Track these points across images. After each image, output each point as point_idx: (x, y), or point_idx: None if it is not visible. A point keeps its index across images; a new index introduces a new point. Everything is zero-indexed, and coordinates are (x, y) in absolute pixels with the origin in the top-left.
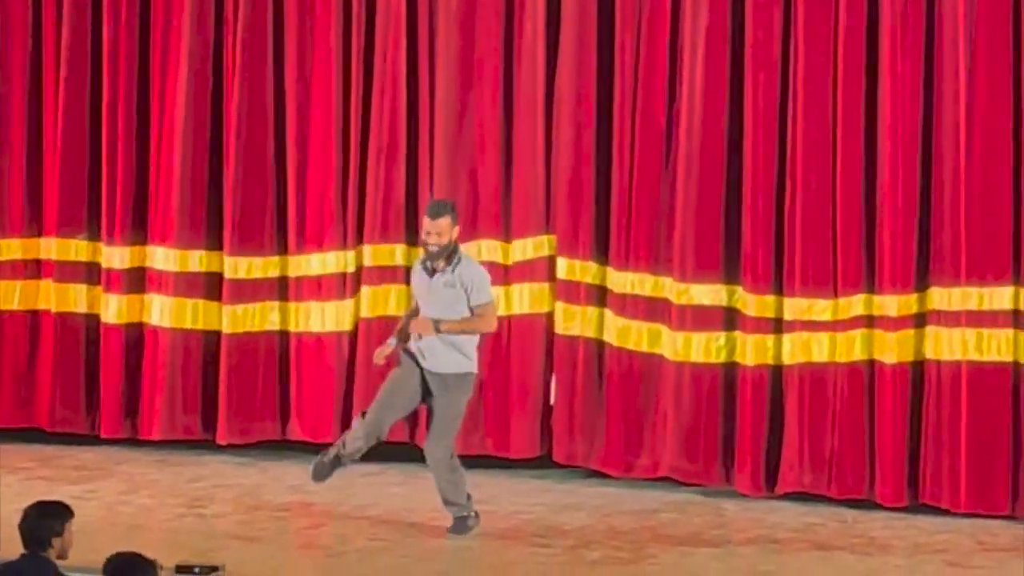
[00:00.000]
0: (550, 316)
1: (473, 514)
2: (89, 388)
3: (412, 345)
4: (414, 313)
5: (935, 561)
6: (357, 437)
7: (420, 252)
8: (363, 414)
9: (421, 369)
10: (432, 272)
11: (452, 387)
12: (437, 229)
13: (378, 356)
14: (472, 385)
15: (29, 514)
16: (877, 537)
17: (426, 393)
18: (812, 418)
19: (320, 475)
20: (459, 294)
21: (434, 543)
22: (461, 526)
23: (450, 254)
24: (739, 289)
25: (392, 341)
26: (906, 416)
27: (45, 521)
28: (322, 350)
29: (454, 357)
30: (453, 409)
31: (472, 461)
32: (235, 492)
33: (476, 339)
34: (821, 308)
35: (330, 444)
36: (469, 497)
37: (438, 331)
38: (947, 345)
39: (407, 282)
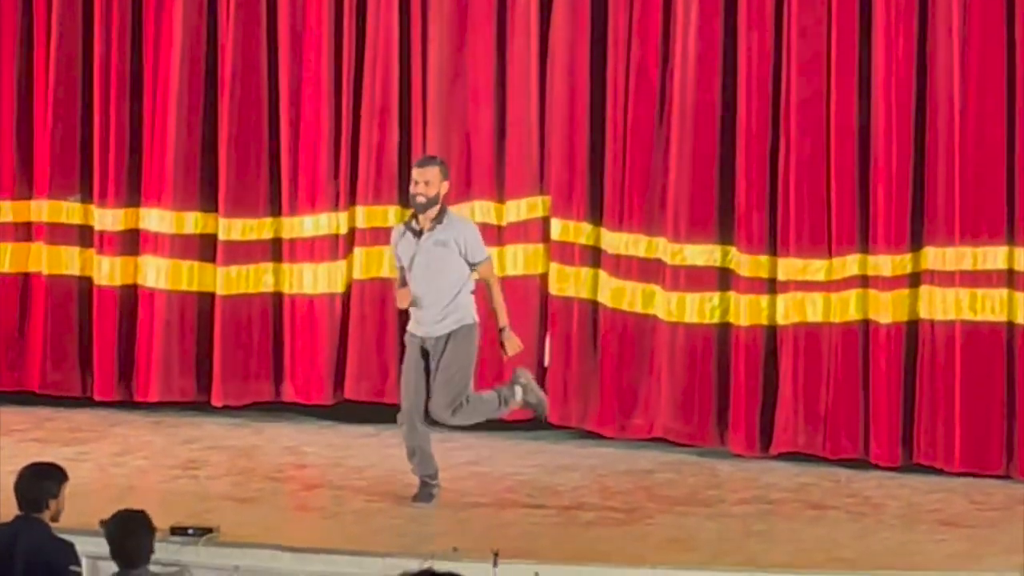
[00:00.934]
0: (544, 277)
1: (439, 481)
2: (82, 350)
3: (412, 318)
4: (401, 284)
5: (929, 520)
6: (411, 451)
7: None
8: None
9: (422, 343)
10: (418, 233)
11: (452, 343)
12: (425, 178)
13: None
14: (475, 337)
15: (23, 476)
16: (871, 497)
17: (428, 360)
18: (806, 378)
19: (424, 498)
20: (451, 252)
21: (429, 505)
22: (427, 491)
23: (439, 213)
24: (733, 249)
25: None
26: (900, 376)
27: (40, 483)
28: (315, 312)
29: (449, 314)
30: (459, 362)
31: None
32: (229, 454)
33: (470, 287)
34: (815, 268)
35: (323, 407)
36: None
37: (507, 328)
38: (941, 305)
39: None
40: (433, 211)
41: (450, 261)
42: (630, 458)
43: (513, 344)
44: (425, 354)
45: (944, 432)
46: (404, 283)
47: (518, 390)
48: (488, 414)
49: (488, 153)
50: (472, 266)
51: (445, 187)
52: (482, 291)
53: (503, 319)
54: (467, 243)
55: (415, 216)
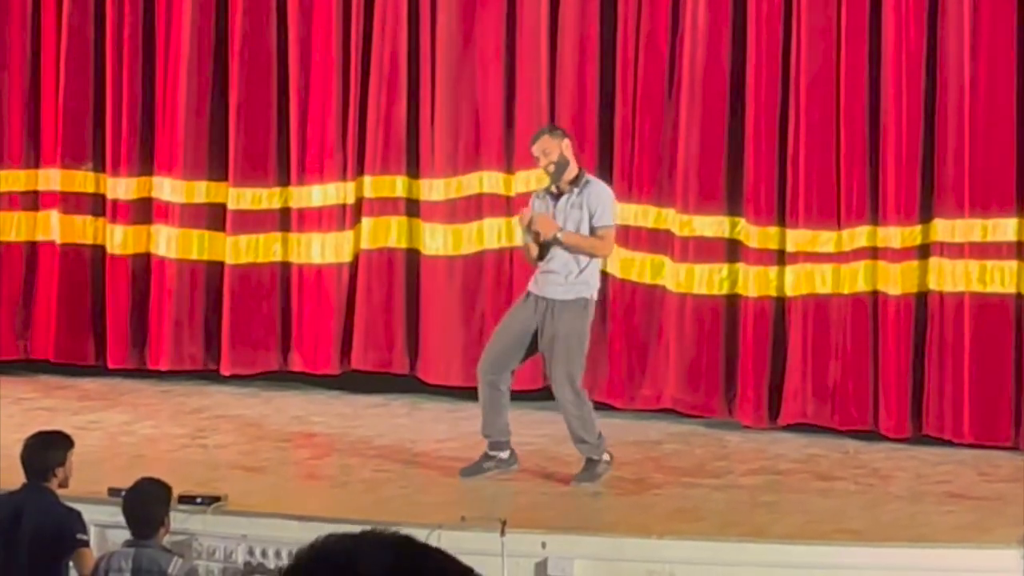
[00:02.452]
0: None
1: (606, 458)
2: (95, 319)
3: (533, 276)
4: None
5: (937, 492)
6: (482, 391)
7: (422, 184)
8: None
9: (534, 301)
10: (557, 196)
11: (566, 313)
12: (540, 149)
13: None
14: (591, 311)
15: (30, 445)
16: (879, 468)
17: (538, 328)
18: (815, 350)
19: (469, 473)
20: (584, 216)
21: (438, 474)
22: (591, 471)
23: (577, 176)
24: (742, 221)
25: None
26: (909, 347)
27: (47, 452)
28: (322, 282)
29: (571, 283)
30: (571, 336)
31: (474, 392)
32: (238, 423)
33: (597, 265)
34: (824, 240)
35: (331, 376)
36: (601, 436)
37: (559, 235)
38: (950, 276)
39: (407, 213)
40: (570, 173)
41: (583, 225)
42: (638, 429)
43: (543, 224)
44: (534, 315)
45: (953, 404)
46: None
47: (606, 456)
48: (590, 425)
49: (497, 123)
50: (593, 229)
51: (567, 146)
52: (488, 270)
53: (572, 236)
54: (598, 207)
55: (553, 184)
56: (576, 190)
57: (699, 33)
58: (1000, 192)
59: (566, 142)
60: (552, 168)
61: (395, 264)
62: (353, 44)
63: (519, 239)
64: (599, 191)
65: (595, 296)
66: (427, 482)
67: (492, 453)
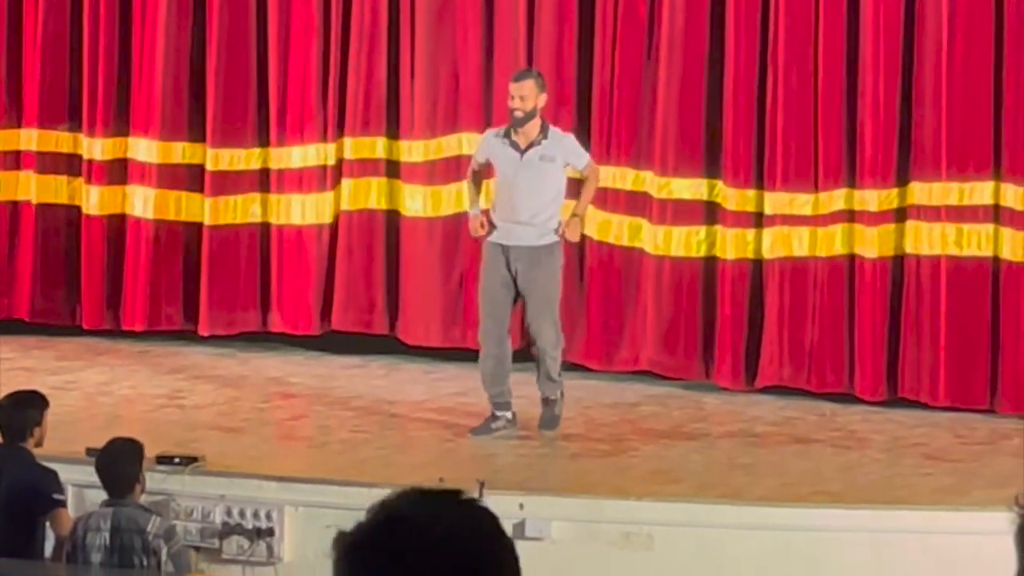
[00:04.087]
0: None
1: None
2: (71, 279)
3: (496, 225)
4: (475, 181)
5: (913, 454)
6: (485, 371)
7: (402, 146)
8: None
9: (505, 252)
10: (522, 149)
11: (541, 259)
12: (521, 92)
13: (474, 230)
14: (562, 254)
15: (6, 405)
16: (856, 431)
17: (515, 277)
18: (792, 312)
19: (480, 432)
20: (556, 167)
21: (416, 435)
22: (552, 412)
23: (542, 128)
24: (720, 183)
25: (476, 211)
26: (886, 310)
27: (23, 412)
28: (303, 242)
29: (541, 230)
30: (550, 280)
31: (452, 354)
32: (216, 384)
33: (558, 210)
34: (802, 202)
35: (310, 336)
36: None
37: (582, 218)
38: (927, 239)
39: (388, 175)
40: (534, 125)
41: (554, 176)
42: (616, 391)
43: (573, 231)
44: (508, 264)
45: (929, 366)
46: (477, 188)
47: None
48: (559, 364)
49: (476, 85)
50: (580, 171)
51: (542, 100)
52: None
53: (582, 206)
54: (572, 152)
55: (512, 129)
56: (545, 142)
57: None
58: (977, 155)
59: (543, 96)
60: (521, 115)
61: (375, 225)
62: (333, 4)
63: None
64: (566, 139)
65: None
66: (405, 443)
67: (499, 413)
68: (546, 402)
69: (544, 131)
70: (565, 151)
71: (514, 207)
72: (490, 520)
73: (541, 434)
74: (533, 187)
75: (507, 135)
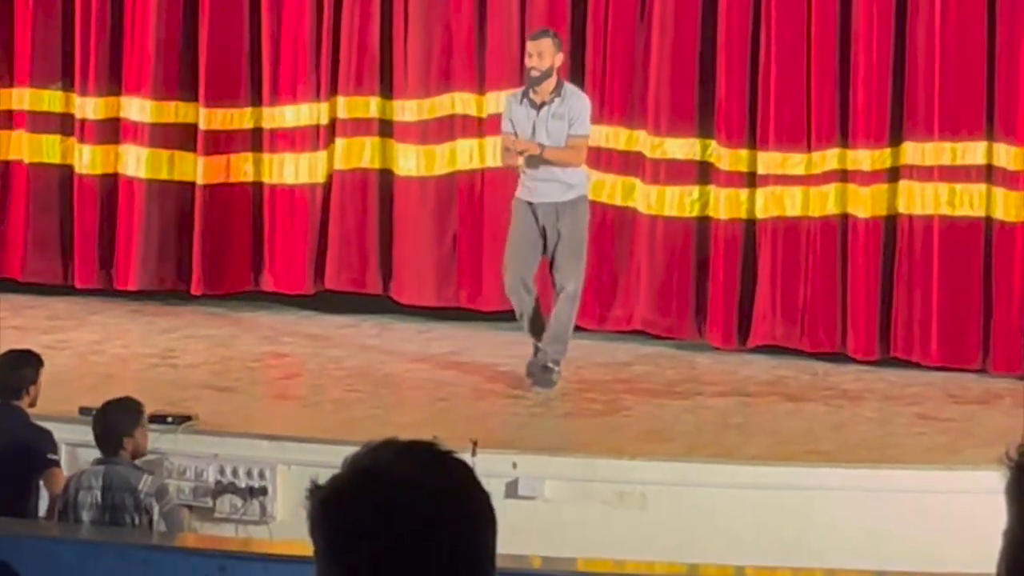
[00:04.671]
0: None
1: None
2: (63, 239)
3: (522, 184)
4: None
5: (906, 414)
6: (520, 314)
7: (396, 105)
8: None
9: (533, 209)
10: (538, 106)
11: (568, 214)
12: (538, 50)
13: (510, 155)
14: (587, 210)
15: (1, 364)
16: (848, 390)
17: (544, 232)
18: (784, 272)
19: (537, 376)
20: (564, 126)
21: (408, 394)
22: (548, 375)
23: (557, 86)
24: (713, 143)
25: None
26: (878, 270)
27: (19, 371)
28: (295, 202)
29: (562, 188)
30: (576, 235)
31: (446, 313)
32: (208, 343)
33: (582, 168)
34: (795, 162)
35: (303, 296)
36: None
37: (542, 152)
38: (920, 199)
39: (381, 134)
40: (550, 84)
41: (564, 135)
42: (608, 350)
43: (526, 146)
44: (536, 221)
45: (921, 326)
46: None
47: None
48: (571, 327)
49: (469, 44)
50: (568, 136)
51: (559, 59)
52: (459, 192)
53: (548, 151)
54: (576, 116)
55: (530, 88)
56: (558, 100)
57: None
58: (969, 115)
59: (560, 56)
60: (537, 74)
61: (369, 185)
62: None
63: (503, 159)
64: (579, 100)
65: (587, 194)
66: (398, 402)
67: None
68: (545, 368)
69: (558, 89)
70: (572, 111)
71: (536, 165)
72: (465, 473)
73: (535, 391)
74: (551, 144)
75: (524, 95)
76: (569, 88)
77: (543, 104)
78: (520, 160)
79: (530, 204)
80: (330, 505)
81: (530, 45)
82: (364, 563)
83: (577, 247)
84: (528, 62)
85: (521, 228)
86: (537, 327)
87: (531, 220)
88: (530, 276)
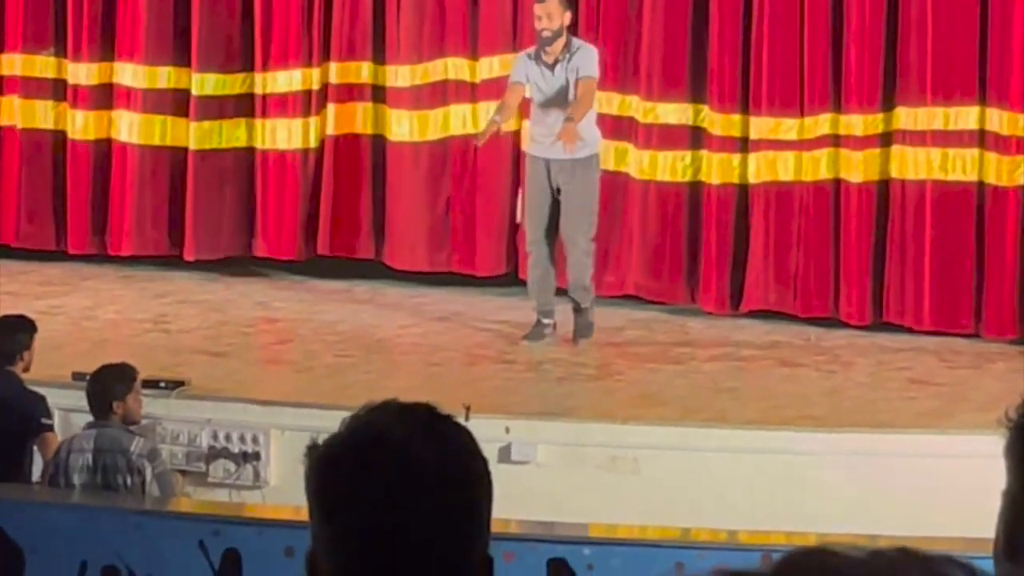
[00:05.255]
0: (517, 134)
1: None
2: (56, 204)
3: (534, 140)
4: (507, 107)
5: (898, 378)
6: (533, 280)
7: (388, 70)
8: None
9: (547, 165)
10: (551, 65)
11: (579, 171)
12: (546, 11)
13: (480, 138)
14: (599, 167)
15: None
16: (841, 355)
17: (556, 188)
18: (777, 237)
19: (534, 337)
20: (574, 78)
21: (400, 359)
22: (585, 319)
23: (567, 44)
24: (705, 108)
25: (496, 117)
26: (871, 235)
27: (12, 336)
28: (288, 167)
29: (583, 145)
30: (587, 192)
31: (438, 278)
32: (201, 308)
33: (594, 119)
34: (787, 127)
35: (296, 261)
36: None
37: (574, 123)
38: (912, 164)
39: (373, 100)
40: (560, 43)
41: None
42: (601, 315)
43: (567, 134)
44: (549, 176)
45: (914, 290)
46: (508, 108)
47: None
48: (591, 272)
49: (462, 9)
50: (579, 78)
51: (568, 17)
52: (453, 157)
53: (575, 112)
54: (583, 62)
55: (541, 49)
56: (568, 56)
57: None
58: (962, 80)
59: (568, 15)
60: (548, 35)
61: (361, 150)
62: None
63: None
64: (586, 51)
65: (599, 151)
66: (390, 367)
67: (546, 320)
68: (578, 310)
69: (568, 46)
70: (582, 62)
71: (550, 123)
72: (465, 437)
73: (576, 343)
74: (565, 102)
75: (537, 56)
76: (576, 42)
77: (556, 63)
78: (484, 138)
79: (543, 160)
80: (326, 468)
81: (538, 7)
82: (358, 527)
83: (588, 203)
84: (537, 24)
85: (535, 187)
86: (545, 288)
87: (544, 177)
88: (552, 234)
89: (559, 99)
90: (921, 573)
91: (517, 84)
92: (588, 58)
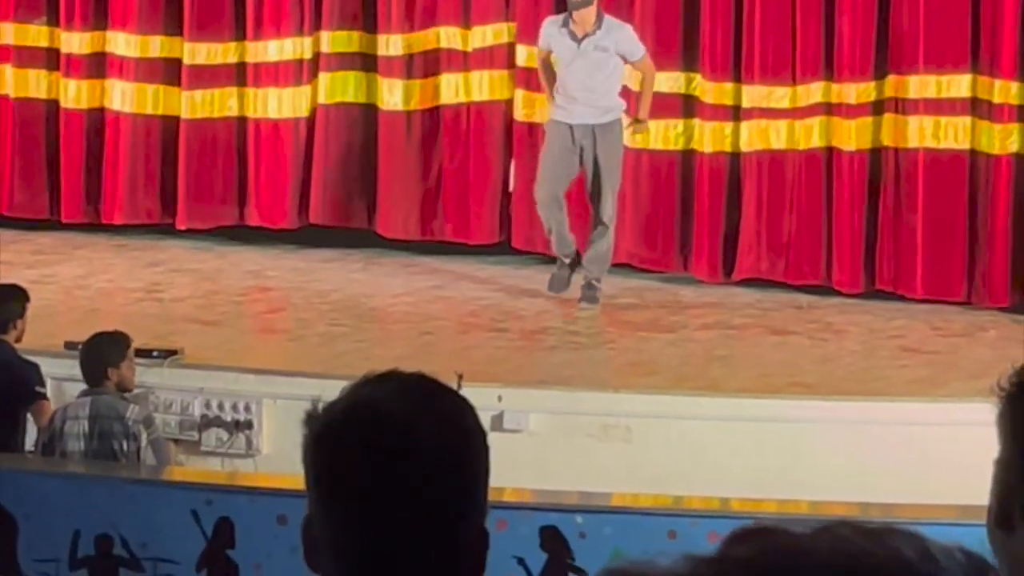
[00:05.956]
0: (510, 103)
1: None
2: (50, 173)
3: (558, 106)
4: (546, 70)
5: (890, 346)
6: (550, 229)
7: (380, 39)
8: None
9: (571, 130)
10: (579, 38)
11: (606, 136)
12: None
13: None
14: (622, 133)
15: None
16: (833, 323)
17: (580, 152)
18: (770, 205)
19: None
20: (609, 57)
21: (393, 328)
22: (593, 292)
23: (598, 18)
24: (698, 77)
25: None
26: (863, 203)
27: (6, 305)
28: (280, 136)
29: (599, 111)
30: (613, 157)
31: (431, 247)
32: (193, 277)
33: (619, 87)
34: (779, 95)
35: (289, 231)
36: None
37: (647, 117)
38: (905, 132)
39: (365, 69)
40: (590, 14)
41: (609, 63)
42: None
43: (640, 132)
44: (573, 141)
45: (906, 259)
46: (550, 77)
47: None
48: (611, 245)
49: None
50: (633, 64)
51: None
52: (445, 127)
53: (644, 111)
54: (624, 45)
55: (570, 15)
56: (599, 32)
57: None
58: (954, 48)
59: None
60: (578, 0)
61: (353, 119)
62: None
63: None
64: (622, 32)
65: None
66: (383, 336)
67: (567, 261)
68: (589, 285)
69: (599, 21)
70: (618, 42)
71: (573, 90)
72: (465, 411)
73: (581, 307)
74: (589, 75)
75: (565, 23)
76: (609, 19)
77: (584, 36)
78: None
79: (567, 125)
80: (325, 440)
81: None
82: (356, 499)
83: (613, 175)
84: None
85: (556, 149)
86: (565, 243)
87: (568, 140)
88: (563, 192)
89: (581, 73)
90: (867, 546)
91: (546, 53)
92: (629, 40)
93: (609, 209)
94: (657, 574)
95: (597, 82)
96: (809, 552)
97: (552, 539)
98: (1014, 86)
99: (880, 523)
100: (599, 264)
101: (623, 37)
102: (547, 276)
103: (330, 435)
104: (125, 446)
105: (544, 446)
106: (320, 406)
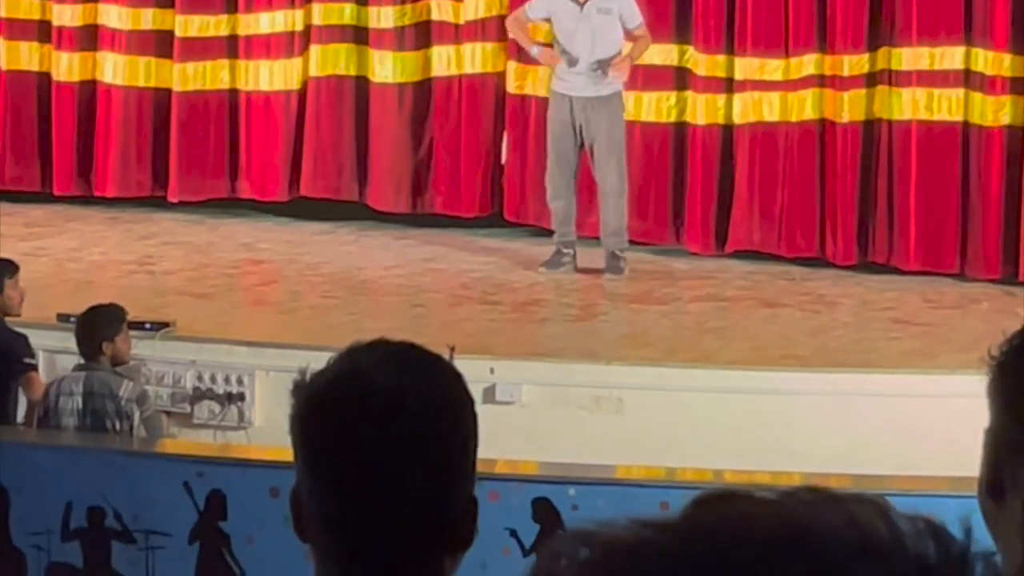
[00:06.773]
0: (502, 75)
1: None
2: (42, 145)
3: (558, 77)
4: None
5: (883, 318)
6: (557, 210)
7: (371, 11)
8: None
9: (570, 102)
10: (581, 3)
11: (606, 107)
12: None
13: (549, 60)
14: (623, 104)
15: None
16: (826, 295)
17: (580, 127)
18: (762, 177)
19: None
20: (612, 20)
21: (385, 300)
22: (616, 263)
23: None
24: (690, 49)
25: (537, 48)
26: (856, 175)
27: None
28: (271, 109)
29: (602, 80)
30: (616, 128)
31: (423, 219)
32: (185, 249)
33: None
34: (772, 68)
35: (279, 202)
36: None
37: (632, 61)
38: (898, 104)
39: (356, 41)
40: None
41: (612, 28)
42: (586, 256)
43: (622, 68)
44: (572, 114)
45: (899, 231)
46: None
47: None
48: (625, 214)
49: None
50: (628, 31)
51: None
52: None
53: (636, 52)
54: (625, 10)
55: None
56: None
57: None
58: (948, 20)
59: None
60: None
61: (344, 92)
62: None
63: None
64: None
65: (623, 88)
66: (375, 308)
67: (565, 250)
68: (612, 255)
69: None
70: (620, 5)
71: (575, 59)
72: (453, 379)
73: (607, 278)
74: (593, 38)
75: None
76: None
77: (586, 0)
78: (535, 51)
79: (567, 97)
80: (311, 410)
81: None
82: (343, 470)
83: (616, 144)
84: None
85: (559, 122)
86: (567, 219)
87: (567, 112)
88: (573, 177)
89: (585, 37)
90: (831, 512)
91: (535, 21)
92: (629, 5)
93: (615, 180)
94: (605, 538)
95: (603, 49)
96: (760, 518)
97: (544, 511)
98: (1007, 58)
99: (848, 492)
100: (617, 236)
101: (625, 1)
102: (539, 248)
103: (316, 404)
104: (117, 424)
105: (536, 418)
106: (308, 375)
